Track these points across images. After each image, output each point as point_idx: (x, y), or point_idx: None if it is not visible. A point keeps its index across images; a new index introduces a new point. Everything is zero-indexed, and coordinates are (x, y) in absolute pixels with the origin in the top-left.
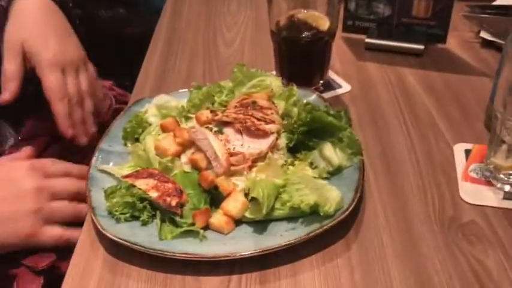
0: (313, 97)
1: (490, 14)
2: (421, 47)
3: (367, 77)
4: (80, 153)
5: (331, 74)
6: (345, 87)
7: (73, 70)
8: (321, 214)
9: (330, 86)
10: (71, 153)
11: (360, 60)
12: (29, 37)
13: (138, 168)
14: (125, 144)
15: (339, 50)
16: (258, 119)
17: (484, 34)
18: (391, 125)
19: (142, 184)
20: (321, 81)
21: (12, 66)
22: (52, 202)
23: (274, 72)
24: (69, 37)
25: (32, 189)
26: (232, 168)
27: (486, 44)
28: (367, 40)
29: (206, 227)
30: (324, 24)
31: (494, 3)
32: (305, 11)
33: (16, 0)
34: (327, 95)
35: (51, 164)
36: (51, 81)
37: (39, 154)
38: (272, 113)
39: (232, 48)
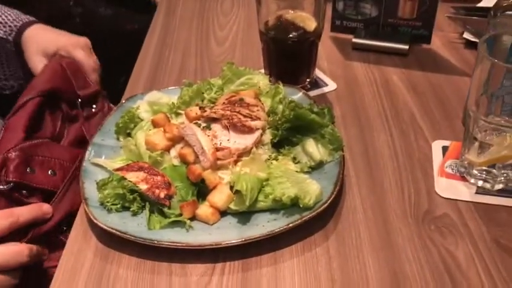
0: (299, 95)
1: (474, 15)
2: (406, 47)
3: (353, 76)
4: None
5: (318, 73)
6: (331, 86)
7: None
8: (301, 206)
9: (316, 84)
10: None
11: (347, 59)
12: (50, 44)
13: (130, 162)
14: (117, 139)
15: (326, 49)
16: (245, 116)
17: (467, 35)
18: (373, 122)
19: (132, 177)
20: (308, 80)
21: (82, 55)
22: None
23: (263, 71)
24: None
25: None
26: (219, 162)
27: (469, 44)
28: (354, 40)
29: (193, 218)
30: (311, 24)
31: (479, 4)
32: (293, 12)
33: (24, 32)
34: (314, 93)
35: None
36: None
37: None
38: (258, 110)
39: (224, 46)
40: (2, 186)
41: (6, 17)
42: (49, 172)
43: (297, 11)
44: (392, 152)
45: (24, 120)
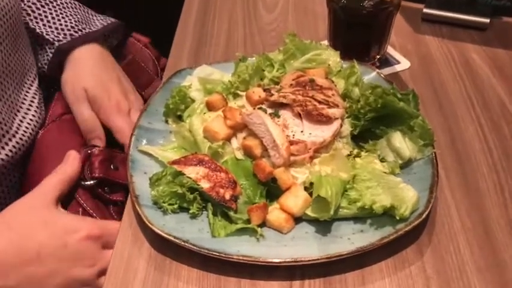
0: (372, 75)
1: None
2: (487, 20)
3: (427, 53)
4: None
5: (388, 48)
6: (403, 64)
7: (136, 111)
8: (396, 217)
9: (387, 61)
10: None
11: (417, 32)
12: (90, 86)
13: (184, 152)
14: (166, 122)
15: None
16: (320, 102)
17: None
18: (458, 110)
19: (192, 172)
20: (378, 56)
21: (88, 114)
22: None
23: (326, 42)
24: (125, 81)
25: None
26: (292, 158)
27: None
28: (426, 10)
29: (262, 224)
30: None
31: None
32: None
33: (73, 50)
34: (385, 71)
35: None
36: (118, 125)
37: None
38: (334, 95)
39: (275, 12)
40: (87, 182)
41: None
42: None
43: None
44: (484, 145)
45: None
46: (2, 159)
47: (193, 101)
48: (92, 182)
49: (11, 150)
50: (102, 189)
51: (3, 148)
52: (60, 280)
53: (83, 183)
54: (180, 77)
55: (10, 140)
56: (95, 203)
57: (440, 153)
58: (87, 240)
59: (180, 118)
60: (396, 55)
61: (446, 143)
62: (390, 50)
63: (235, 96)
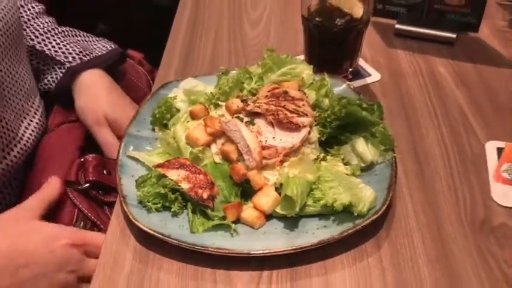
0: (343, 87)
1: None
2: (453, 35)
3: (397, 66)
4: None
5: (360, 61)
6: (374, 76)
7: None
8: (355, 214)
9: (359, 74)
10: None
11: (389, 47)
12: (110, 111)
13: (168, 157)
14: (153, 130)
15: (367, 34)
16: (291, 111)
17: None
18: (421, 118)
19: (173, 175)
20: (350, 69)
21: (111, 138)
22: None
23: (302, 57)
24: (130, 100)
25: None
26: (264, 162)
27: None
28: (397, 26)
29: (237, 221)
30: (358, 10)
31: None
32: None
33: (82, 73)
34: (356, 83)
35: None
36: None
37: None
38: (304, 105)
39: (258, 28)
40: (81, 186)
41: (71, 47)
42: None
43: None
44: (443, 151)
45: None
46: (7, 164)
47: (178, 110)
48: (86, 185)
49: (15, 156)
50: (97, 192)
51: (8, 154)
52: (45, 284)
53: (78, 187)
54: (167, 89)
55: (16, 145)
56: (89, 204)
57: (403, 157)
58: (71, 247)
59: (166, 126)
60: (368, 68)
61: (409, 149)
62: (362, 63)
63: (216, 106)
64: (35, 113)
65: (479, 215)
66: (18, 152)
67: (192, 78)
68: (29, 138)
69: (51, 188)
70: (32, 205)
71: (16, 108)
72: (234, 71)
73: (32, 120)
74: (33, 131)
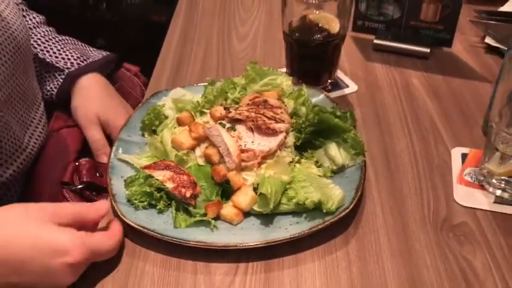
0: (320, 97)
1: (496, 20)
2: (427, 50)
3: (373, 78)
4: None
5: (339, 74)
6: (351, 87)
7: None
8: (324, 211)
9: (337, 85)
10: None
11: (367, 60)
12: (101, 111)
13: (156, 160)
14: (143, 135)
15: (347, 49)
16: (269, 118)
17: (489, 40)
18: (394, 127)
19: (159, 175)
20: (330, 81)
21: (99, 135)
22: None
23: (284, 69)
24: (126, 104)
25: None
26: (243, 163)
27: (490, 49)
28: (376, 41)
29: (217, 218)
30: (335, 26)
31: (501, 9)
32: (317, 12)
33: (81, 77)
34: (335, 94)
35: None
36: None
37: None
38: (282, 112)
39: (246, 42)
40: (76, 187)
41: (70, 53)
42: None
43: (321, 12)
44: (412, 157)
45: None
46: (11, 173)
47: (166, 117)
48: (80, 186)
49: (21, 163)
50: (90, 192)
51: (14, 162)
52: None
53: (73, 188)
54: (157, 98)
55: (21, 154)
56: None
57: (374, 163)
58: (70, 267)
59: (154, 132)
60: (346, 80)
61: (380, 155)
62: (341, 75)
63: (202, 113)
64: (39, 122)
65: (442, 215)
66: (23, 160)
67: (181, 88)
68: (33, 147)
69: (94, 209)
70: (62, 211)
71: (22, 118)
72: (220, 82)
73: (35, 130)
74: (37, 139)
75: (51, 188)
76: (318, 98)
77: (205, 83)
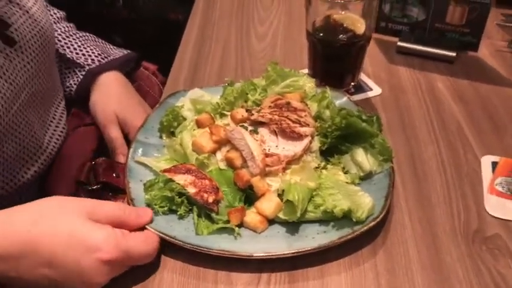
0: (343, 100)
1: None
2: (453, 54)
3: (397, 81)
4: None
5: (362, 76)
6: (375, 90)
7: None
8: (354, 220)
9: (361, 88)
10: None
11: (391, 63)
12: (120, 110)
13: (175, 163)
14: (160, 137)
15: (370, 51)
16: (293, 121)
17: None
18: (420, 132)
19: (180, 179)
20: (353, 83)
21: (118, 134)
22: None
23: (306, 70)
24: (144, 104)
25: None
26: (267, 169)
27: None
28: (400, 43)
29: (240, 225)
30: (360, 27)
31: None
32: (342, 12)
33: (101, 74)
34: (358, 96)
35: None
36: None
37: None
38: (306, 116)
39: (265, 42)
40: (93, 187)
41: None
42: None
43: (346, 12)
44: (440, 164)
45: None
46: (32, 174)
47: (184, 119)
48: (97, 186)
49: (42, 163)
50: (107, 193)
51: (36, 161)
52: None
53: (89, 187)
54: (175, 98)
55: (42, 154)
56: None
57: (401, 170)
58: (102, 264)
59: (172, 134)
60: (369, 82)
61: (407, 161)
62: (365, 78)
63: (222, 115)
64: (59, 121)
65: (473, 226)
66: (44, 160)
67: (199, 89)
68: (53, 147)
69: (135, 216)
70: (100, 210)
71: (42, 117)
72: (239, 83)
73: (56, 129)
74: (57, 139)
75: (67, 188)
76: (341, 100)
77: (224, 84)
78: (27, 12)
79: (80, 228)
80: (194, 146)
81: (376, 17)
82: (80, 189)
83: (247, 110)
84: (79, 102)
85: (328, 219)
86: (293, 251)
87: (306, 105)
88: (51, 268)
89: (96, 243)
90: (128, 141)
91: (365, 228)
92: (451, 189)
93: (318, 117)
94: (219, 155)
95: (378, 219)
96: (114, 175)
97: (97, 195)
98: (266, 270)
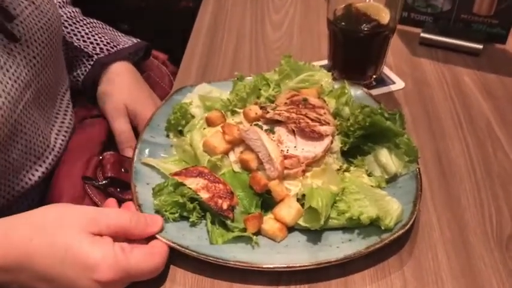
0: (358, 93)
1: None
2: (480, 46)
3: (421, 74)
4: None
5: (385, 69)
6: (398, 84)
7: None
8: (382, 228)
9: (382, 81)
10: None
11: (413, 55)
12: (130, 102)
13: (184, 164)
14: (167, 136)
15: (392, 42)
16: (312, 120)
17: None
18: (446, 127)
19: (192, 183)
20: (374, 76)
21: (127, 127)
22: None
23: (325, 61)
24: (155, 96)
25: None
26: (286, 171)
27: None
28: (423, 35)
29: (257, 233)
30: (385, 17)
31: None
32: (366, 0)
33: (110, 64)
34: (380, 90)
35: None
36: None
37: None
38: (325, 113)
39: (280, 31)
40: (100, 182)
41: (100, 38)
42: None
43: (370, 1)
44: (468, 163)
45: None
46: (43, 172)
47: (193, 117)
48: (104, 181)
49: (50, 163)
50: (115, 189)
51: (44, 162)
52: None
53: (96, 183)
54: (181, 94)
55: (50, 153)
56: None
57: (427, 169)
58: (100, 286)
59: (180, 132)
60: (392, 75)
61: (433, 159)
62: (387, 70)
63: (233, 113)
64: (65, 115)
65: (506, 231)
66: (52, 160)
67: (206, 84)
68: (61, 144)
69: (143, 224)
70: (103, 219)
71: (47, 113)
72: (250, 77)
73: (62, 124)
74: (64, 135)
75: (74, 183)
76: (355, 94)
77: (233, 79)
78: (33, 3)
79: (77, 245)
80: (206, 147)
81: (401, 5)
82: (86, 185)
83: (261, 107)
84: (85, 93)
85: (352, 226)
86: (317, 262)
87: (324, 101)
88: (49, 283)
89: (93, 263)
90: (137, 133)
91: (394, 236)
92: (481, 190)
93: (336, 115)
94: (232, 157)
95: (407, 227)
96: (122, 170)
97: (104, 192)
98: (284, 282)
